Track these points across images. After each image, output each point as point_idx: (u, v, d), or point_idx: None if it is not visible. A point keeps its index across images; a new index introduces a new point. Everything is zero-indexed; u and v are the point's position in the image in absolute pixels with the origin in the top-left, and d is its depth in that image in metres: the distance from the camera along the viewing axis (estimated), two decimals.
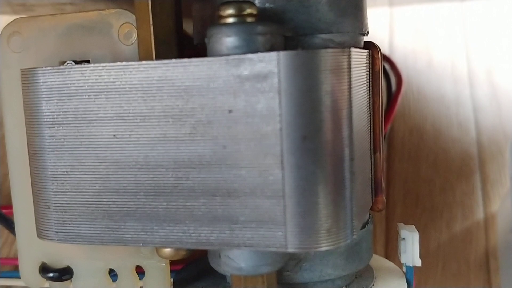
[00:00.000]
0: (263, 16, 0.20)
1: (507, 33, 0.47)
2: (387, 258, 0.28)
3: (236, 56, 0.19)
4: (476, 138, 0.41)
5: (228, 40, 0.19)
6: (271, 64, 0.18)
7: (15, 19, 0.24)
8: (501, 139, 0.41)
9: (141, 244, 0.21)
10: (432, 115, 0.42)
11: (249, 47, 0.19)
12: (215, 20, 0.20)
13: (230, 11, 0.19)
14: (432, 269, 0.35)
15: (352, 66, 0.20)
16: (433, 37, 0.47)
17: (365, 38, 0.24)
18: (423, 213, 0.37)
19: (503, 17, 0.48)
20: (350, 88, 0.19)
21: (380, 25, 0.47)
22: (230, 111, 0.19)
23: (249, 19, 0.19)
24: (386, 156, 0.40)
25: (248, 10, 0.19)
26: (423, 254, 0.34)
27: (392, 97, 0.39)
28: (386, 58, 0.42)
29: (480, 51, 0.46)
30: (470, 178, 0.39)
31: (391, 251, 0.35)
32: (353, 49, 0.20)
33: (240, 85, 0.19)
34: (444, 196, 0.38)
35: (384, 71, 0.39)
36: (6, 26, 0.24)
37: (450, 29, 0.47)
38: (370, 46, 0.24)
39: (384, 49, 0.45)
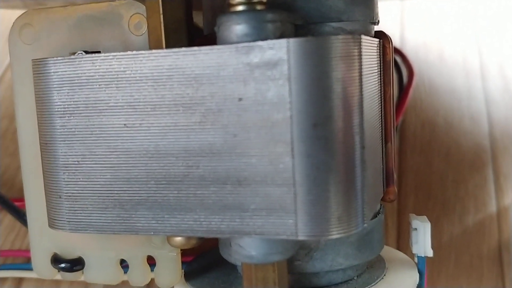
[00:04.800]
0: (273, 4, 0.20)
1: None
2: (399, 250, 0.28)
3: (246, 44, 0.19)
4: (488, 131, 0.41)
5: (238, 28, 0.19)
6: (281, 51, 0.18)
7: (27, 11, 0.24)
8: None
9: (152, 233, 0.21)
10: (444, 108, 0.42)
11: (259, 35, 0.19)
12: (225, 8, 0.20)
13: None
14: (444, 262, 0.35)
15: (363, 54, 0.20)
16: (444, 30, 0.47)
17: (377, 29, 0.24)
18: (435, 206, 0.37)
19: None
20: (360, 75, 0.19)
21: (391, 18, 0.47)
22: (240, 99, 0.19)
23: (258, 7, 0.19)
24: (398, 149, 0.40)
25: None
26: (436, 247, 0.34)
27: (403, 90, 0.39)
28: (398, 51, 0.42)
29: (491, 44, 0.46)
30: (483, 171, 0.39)
31: (403, 244, 0.35)
32: (363, 37, 0.20)
33: (250, 73, 0.19)
34: (457, 189, 0.38)
35: (395, 64, 0.39)
36: (17, 18, 0.25)
37: (461, 21, 0.47)
38: (381, 36, 0.24)
39: (395, 42, 0.45)
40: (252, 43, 0.19)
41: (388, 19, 0.47)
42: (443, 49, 0.45)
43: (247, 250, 0.20)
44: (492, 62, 0.45)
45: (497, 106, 0.42)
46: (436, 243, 0.35)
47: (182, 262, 0.24)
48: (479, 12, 0.48)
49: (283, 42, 0.18)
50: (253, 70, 0.19)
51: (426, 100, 0.42)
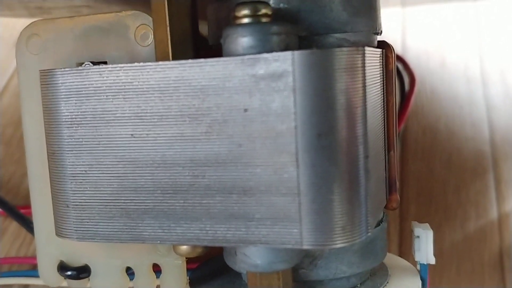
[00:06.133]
0: (277, 16, 0.21)
1: None
2: (401, 257, 0.28)
3: (252, 56, 0.19)
4: (489, 137, 0.41)
5: (243, 40, 0.19)
6: (286, 63, 0.19)
7: (34, 21, 0.25)
8: None
9: (159, 242, 0.21)
10: (446, 114, 0.42)
11: (264, 47, 0.19)
12: (230, 21, 0.20)
13: (245, 11, 0.19)
14: (446, 268, 0.35)
15: (366, 65, 0.20)
16: (446, 37, 0.47)
17: (378, 38, 0.24)
18: (436, 212, 0.37)
19: None
20: (364, 86, 0.20)
21: (393, 26, 0.47)
22: (245, 110, 0.19)
23: (264, 19, 0.19)
24: (400, 156, 0.40)
25: (263, 11, 0.19)
26: (437, 253, 0.34)
27: (405, 97, 0.39)
28: (399, 58, 0.42)
29: (493, 51, 0.46)
30: (484, 177, 0.39)
31: (405, 250, 0.35)
32: (367, 48, 0.20)
33: (255, 84, 0.19)
34: (458, 195, 0.38)
35: (397, 71, 0.40)
36: (24, 28, 0.25)
37: (463, 28, 0.47)
38: (384, 46, 0.24)
39: (397, 49, 0.45)
40: (257, 55, 0.19)
41: (390, 26, 0.47)
42: (445, 56, 0.46)
43: (252, 259, 0.20)
44: (493, 69, 0.45)
45: (498, 112, 0.42)
46: (437, 249, 0.35)
47: (187, 269, 0.25)
48: (481, 19, 0.48)
49: (288, 54, 0.19)
50: (259, 82, 0.19)
51: (427, 106, 0.43)
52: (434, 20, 0.48)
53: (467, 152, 0.40)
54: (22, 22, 0.27)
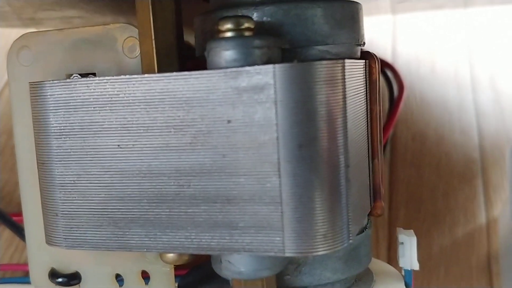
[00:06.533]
0: (260, 29, 0.21)
1: (510, 39, 0.47)
2: (390, 262, 0.28)
3: (234, 69, 0.19)
4: (478, 143, 0.41)
5: (227, 54, 0.20)
6: (267, 76, 0.19)
7: (24, 33, 0.25)
8: (503, 144, 0.41)
9: (145, 250, 0.22)
10: (435, 120, 0.43)
11: (247, 60, 0.20)
12: (215, 35, 0.20)
13: (228, 25, 0.20)
14: (434, 272, 0.35)
15: (347, 76, 0.20)
16: (436, 44, 0.47)
17: (369, 44, 0.25)
18: (425, 217, 0.38)
19: (506, 23, 0.48)
20: (344, 98, 0.20)
21: (383, 32, 0.48)
22: (229, 121, 0.20)
23: (246, 33, 0.20)
24: (389, 161, 0.41)
25: (246, 25, 0.20)
26: (426, 257, 0.35)
27: (393, 104, 0.40)
28: (389, 65, 0.43)
29: (483, 57, 0.46)
30: (473, 183, 0.39)
31: (394, 255, 0.36)
32: (347, 61, 0.20)
33: (238, 97, 0.20)
34: (447, 200, 0.39)
35: (386, 78, 0.40)
36: (15, 40, 0.25)
37: (453, 35, 0.48)
38: (368, 56, 0.25)
39: (387, 55, 0.46)
40: (240, 68, 0.19)
41: (380, 33, 0.47)
42: (435, 62, 0.46)
43: (236, 266, 0.21)
44: (483, 75, 0.45)
45: (487, 119, 0.43)
46: (426, 254, 0.35)
47: (176, 276, 0.25)
48: (471, 26, 0.48)
49: (269, 67, 0.19)
50: (241, 94, 0.20)
51: (417, 112, 0.43)
52: (424, 27, 0.49)
53: (456, 158, 0.41)
54: (17, 31, 0.28)
